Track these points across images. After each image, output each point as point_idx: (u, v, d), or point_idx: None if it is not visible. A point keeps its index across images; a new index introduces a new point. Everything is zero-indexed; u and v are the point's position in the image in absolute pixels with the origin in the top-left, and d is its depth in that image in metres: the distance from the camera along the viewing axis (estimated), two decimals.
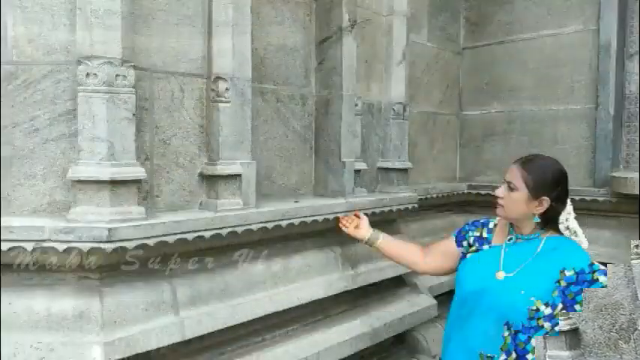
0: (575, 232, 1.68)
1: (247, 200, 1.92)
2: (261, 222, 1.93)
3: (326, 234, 2.33)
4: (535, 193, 1.60)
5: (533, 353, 1.52)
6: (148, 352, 1.62)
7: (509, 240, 1.70)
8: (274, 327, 2.06)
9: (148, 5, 1.75)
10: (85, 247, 1.49)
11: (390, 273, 2.55)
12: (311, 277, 2.18)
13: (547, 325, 1.50)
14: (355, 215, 2.18)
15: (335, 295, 2.25)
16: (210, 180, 1.91)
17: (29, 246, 1.49)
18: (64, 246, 1.49)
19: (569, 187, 1.68)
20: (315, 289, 2.16)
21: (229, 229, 1.82)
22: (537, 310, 1.51)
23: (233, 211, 1.86)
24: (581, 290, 1.49)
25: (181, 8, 1.84)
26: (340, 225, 2.16)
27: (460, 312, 1.71)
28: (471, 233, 1.83)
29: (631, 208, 3.05)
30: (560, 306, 1.50)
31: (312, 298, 2.13)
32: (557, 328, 1.50)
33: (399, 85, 2.78)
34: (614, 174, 3.09)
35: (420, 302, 2.70)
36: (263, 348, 1.98)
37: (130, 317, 1.60)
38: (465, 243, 1.83)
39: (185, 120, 1.88)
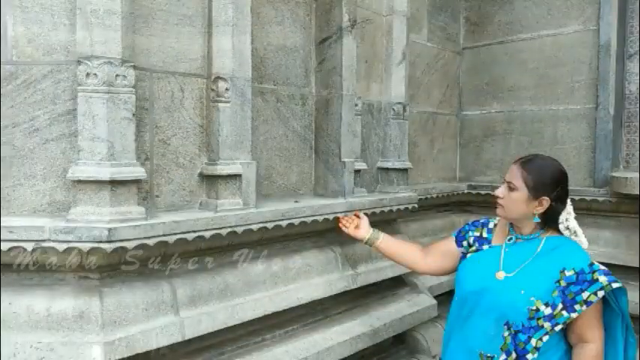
0: (575, 232, 1.68)
1: (247, 200, 1.92)
2: (261, 222, 1.93)
3: (326, 234, 2.33)
4: (535, 193, 1.60)
5: (533, 353, 1.52)
6: (147, 352, 1.63)
7: (509, 240, 1.70)
8: (274, 327, 2.06)
9: (148, 5, 1.75)
10: (85, 247, 1.49)
11: (390, 273, 2.55)
12: (311, 277, 2.18)
13: (547, 325, 1.50)
14: (355, 215, 2.18)
15: (335, 295, 2.25)
16: (210, 180, 1.91)
17: (29, 246, 1.49)
18: (64, 246, 1.49)
19: (569, 187, 1.68)
20: (315, 289, 2.16)
21: (229, 229, 1.82)
22: (537, 310, 1.51)
23: (233, 211, 1.86)
24: (581, 290, 1.50)
25: (181, 8, 1.84)
26: (340, 225, 2.16)
27: (460, 312, 1.71)
28: (470, 233, 1.83)
29: (631, 208, 3.06)
30: (560, 306, 1.50)
31: (312, 298, 2.13)
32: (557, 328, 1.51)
33: (399, 85, 2.78)
34: (614, 174, 3.09)
35: (420, 302, 2.70)
36: (263, 348, 1.98)
37: (130, 317, 1.60)
38: (464, 243, 1.83)
39: (185, 120, 1.88)
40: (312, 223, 2.13)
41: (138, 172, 1.63)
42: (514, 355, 1.54)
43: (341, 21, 2.30)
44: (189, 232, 1.70)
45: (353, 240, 2.19)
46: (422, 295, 2.77)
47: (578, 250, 1.61)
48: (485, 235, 1.79)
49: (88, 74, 1.56)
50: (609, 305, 1.56)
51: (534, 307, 1.52)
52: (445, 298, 3.00)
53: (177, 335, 1.68)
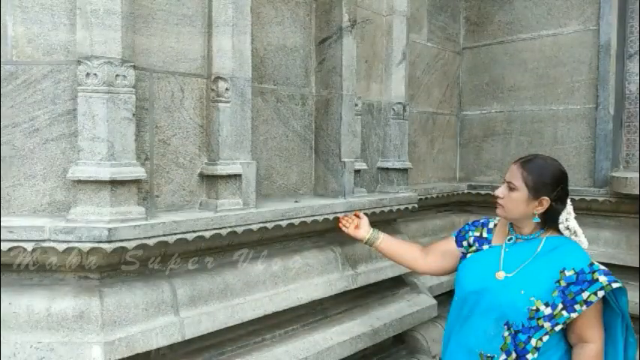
0: (575, 232, 1.68)
1: (247, 200, 1.92)
2: (261, 222, 1.93)
3: (326, 234, 2.33)
4: (535, 193, 1.60)
5: (533, 353, 1.52)
6: (147, 352, 1.63)
7: (509, 240, 1.70)
8: (274, 327, 2.06)
9: (148, 5, 1.75)
10: (85, 247, 1.49)
11: (390, 273, 2.55)
12: (311, 277, 2.18)
13: (547, 325, 1.51)
14: (355, 215, 2.18)
15: (335, 295, 2.25)
16: (210, 180, 1.91)
17: (29, 246, 1.49)
18: (64, 246, 1.49)
19: (569, 187, 1.68)
20: (315, 289, 2.16)
21: (229, 229, 1.82)
22: (537, 310, 1.51)
23: (233, 211, 1.86)
24: (581, 290, 1.50)
25: (181, 8, 1.84)
26: (340, 225, 2.16)
27: (460, 312, 1.71)
28: (470, 233, 1.83)
29: (631, 208, 3.06)
30: (560, 306, 1.50)
31: (312, 298, 2.13)
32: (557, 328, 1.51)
33: (399, 85, 2.78)
34: (614, 174, 3.09)
35: (420, 302, 2.70)
36: (263, 348, 1.98)
37: (130, 317, 1.60)
38: (464, 243, 1.83)
39: (185, 120, 1.88)
40: (312, 223, 2.13)
41: (138, 172, 1.63)
42: (514, 355, 1.54)
43: (341, 21, 2.30)
44: (189, 232, 1.70)
45: (353, 240, 2.19)
46: (422, 295, 2.77)
47: (578, 250, 1.61)
48: (485, 235, 1.79)
49: (88, 74, 1.56)
50: (609, 305, 1.56)
51: (534, 307, 1.52)
52: (445, 298, 3.00)
53: (177, 335, 1.68)
